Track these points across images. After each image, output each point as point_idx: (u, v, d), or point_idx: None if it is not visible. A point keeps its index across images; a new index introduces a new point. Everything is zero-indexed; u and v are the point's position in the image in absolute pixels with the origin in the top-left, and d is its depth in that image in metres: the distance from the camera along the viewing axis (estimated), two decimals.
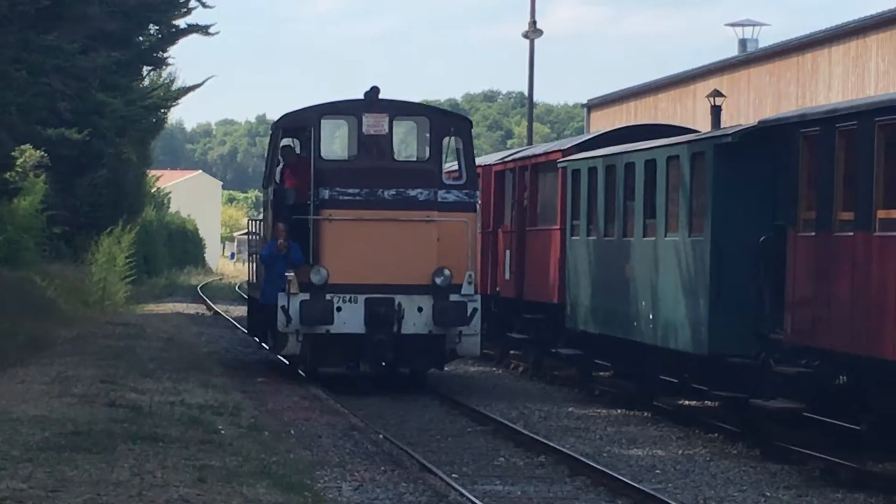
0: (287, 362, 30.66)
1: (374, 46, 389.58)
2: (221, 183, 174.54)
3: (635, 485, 18.89)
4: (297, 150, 29.33)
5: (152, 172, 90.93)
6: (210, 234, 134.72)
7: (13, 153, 46.90)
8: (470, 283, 26.73)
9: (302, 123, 28.21)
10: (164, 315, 54.25)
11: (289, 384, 30.81)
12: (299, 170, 28.02)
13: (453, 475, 19.95)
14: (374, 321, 25.78)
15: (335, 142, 29.89)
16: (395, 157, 28.46)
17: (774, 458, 21.85)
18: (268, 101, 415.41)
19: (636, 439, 23.87)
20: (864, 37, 38.84)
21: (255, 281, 33.58)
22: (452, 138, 28.72)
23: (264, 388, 30.38)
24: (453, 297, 26.30)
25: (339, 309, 25.54)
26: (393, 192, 26.44)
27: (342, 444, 22.42)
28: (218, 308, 62.09)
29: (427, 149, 29.21)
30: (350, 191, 26.27)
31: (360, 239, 26.14)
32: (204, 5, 57.37)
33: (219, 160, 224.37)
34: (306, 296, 25.68)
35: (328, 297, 25.79)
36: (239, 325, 49.53)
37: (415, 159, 29.74)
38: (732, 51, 52.13)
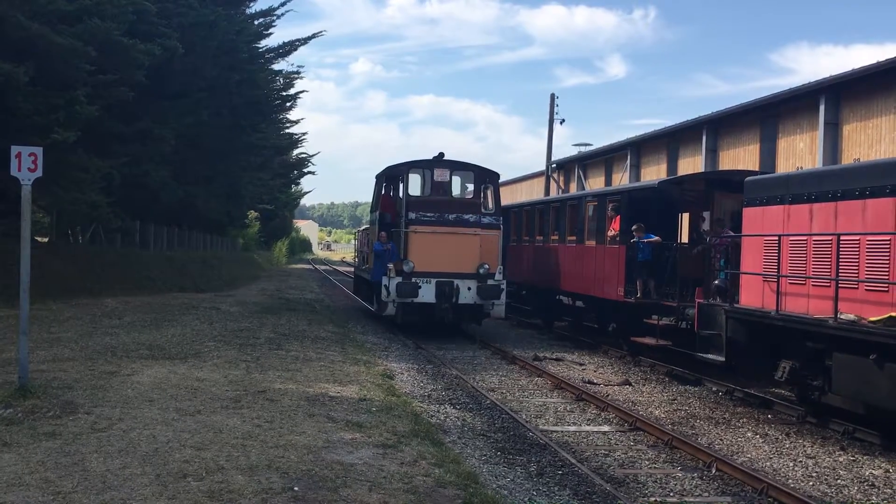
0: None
1: (365, 172, 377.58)
2: (318, 224, 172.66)
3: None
4: (391, 191, 20.28)
5: (295, 221, 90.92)
6: (314, 241, 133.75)
7: (247, 213, 47.70)
8: (500, 273, 18.16)
9: (397, 173, 19.48)
10: (298, 269, 53.83)
11: (343, 293, 29.26)
12: (392, 202, 19.85)
13: (410, 339, 17.58)
14: (441, 295, 17.69)
15: (416, 184, 20.36)
16: (454, 195, 19.63)
17: (512, 323, 21.44)
18: (333, 194, 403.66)
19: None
20: (540, 178, 39.59)
21: (358, 264, 25.25)
22: (487, 184, 19.69)
23: (331, 293, 29.65)
24: (490, 282, 17.91)
25: (419, 287, 17.63)
26: (453, 216, 18.20)
27: (363, 316, 21.38)
28: (317, 266, 61.27)
29: (472, 190, 19.81)
30: (427, 214, 18.21)
31: (433, 244, 18.02)
32: (313, 174, 58.01)
33: (317, 217, 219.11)
34: (400, 279, 17.70)
35: (413, 280, 17.73)
36: (325, 274, 47.45)
37: (465, 197, 19.98)
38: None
